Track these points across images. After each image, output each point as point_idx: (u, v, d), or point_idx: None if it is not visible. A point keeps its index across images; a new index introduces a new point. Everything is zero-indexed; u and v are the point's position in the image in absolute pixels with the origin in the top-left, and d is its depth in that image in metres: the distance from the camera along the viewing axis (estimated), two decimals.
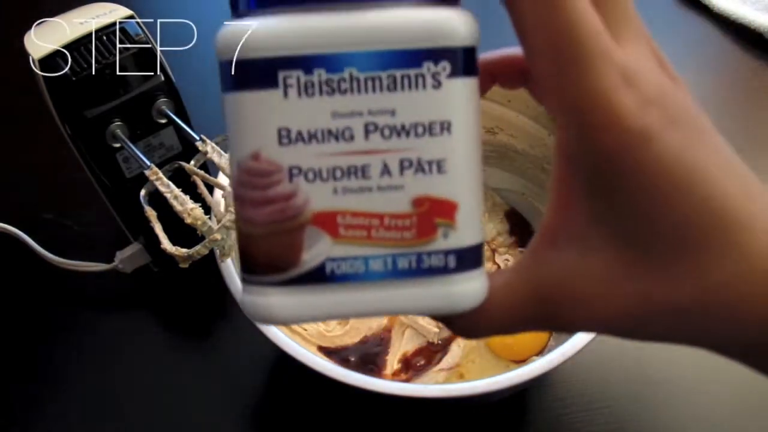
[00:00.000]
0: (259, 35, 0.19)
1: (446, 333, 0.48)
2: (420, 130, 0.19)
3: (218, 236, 0.39)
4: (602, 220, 0.21)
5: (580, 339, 0.37)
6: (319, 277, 0.20)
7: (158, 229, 0.40)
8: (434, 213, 0.20)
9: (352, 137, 0.19)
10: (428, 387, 0.39)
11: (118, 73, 0.43)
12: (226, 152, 0.43)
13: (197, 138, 0.42)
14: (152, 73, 0.44)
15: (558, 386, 0.47)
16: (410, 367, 0.46)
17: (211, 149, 0.41)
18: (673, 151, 0.19)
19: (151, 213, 0.40)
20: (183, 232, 0.40)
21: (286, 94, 0.19)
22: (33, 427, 0.46)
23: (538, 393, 0.46)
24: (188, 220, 0.39)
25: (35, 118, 0.51)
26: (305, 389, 0.46)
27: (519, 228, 0.54)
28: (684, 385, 0.46)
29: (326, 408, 0.46)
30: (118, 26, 0.43)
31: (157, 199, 0.40)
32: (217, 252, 0.40)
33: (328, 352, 0.46)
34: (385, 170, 0.20)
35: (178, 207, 0.39)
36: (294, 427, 0.46)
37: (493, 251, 0.52)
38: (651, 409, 0.46)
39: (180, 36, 0.75)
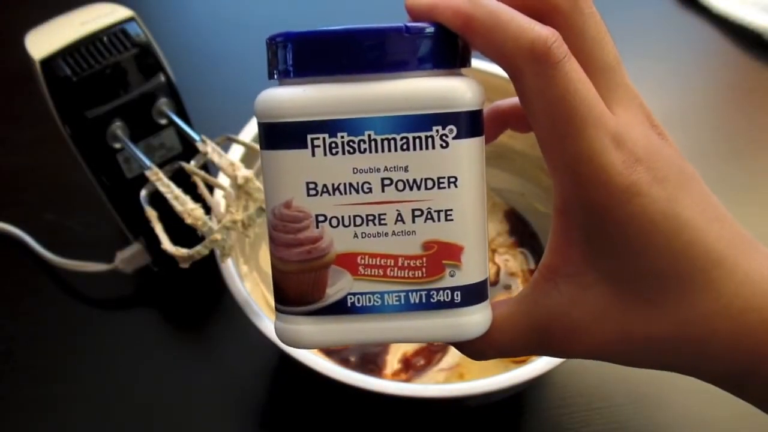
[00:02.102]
0: (291, 103, 0.22)
1: None
2: (430, 184, 0.22)
3: (218, 236, 0.39)
4: (595, 262, 0.23)
5: None
6: (341, 309, 0.23)
7: (159, 229, 0.40)
8: (442, 255, 0.23)
9: (370, 190, 0.22)
10: (428, 387, 0.39)
11: (118, 73, 0.43)
12: (226, 153, 0.43)
13: (198, 138, 0.42)
14: (152, 74, 0.45)
15: (558, 386, 0.47)
16: (410, 367, 0.47)
17: (211, 150, 0.41)
18: (659, 204, 0.22)
19: (151, 213, 0.40)
20: (183, 233, 0.40)
21: (313, 153, 0.22)
22: (33, 427, 0.46)
23: (538, 393, 0.47)
24: (188, 221, 0.39)
25: (36, 119, 0.51)
26: (306, 389, 0.46)
27: (519, 228, 0.54)
28: (684, 385, 0.46)
29: (326, 408, 0.46)
30: (118, 27, 0.43)
31: (158, 200, 0.40)
32: (218, 252, 0.40)
33: (329, 352, 0.46)
34: (399, 218, 0.23)
35: (178, 207, 0.39)
36: (294, 427, 0.46)
37: (493, 251, 0.53)
38: (651, 409, 0.46)
39: (180, 36, 0.75)
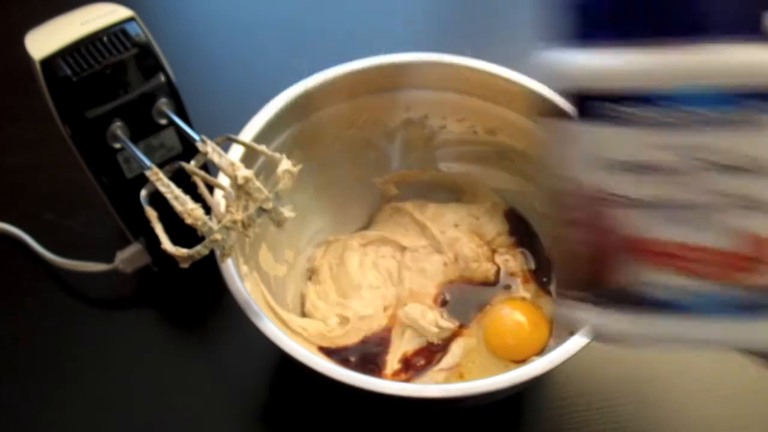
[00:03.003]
0: (592, 69, 0.19)
1: (446, 333, 0.48)
2: (754, 169, 0.19)
3: (218, 236, 0.39)
4: None
5: (580, 339, 0.37)
6: (633, 299, 0.20)
7: (159, 229, 0.40)
8: (765, 252, 0.20)
9: (677, 172, 0.19)
10: (428, 387, 0.39)
11: (118, 73, 0.43)
12: (226, 153, 0.43)
13: (198, 138, 0.42)
14: (152, 74, 0.45)
15: (558, 386, 0.47)
16: (410, 367, 0.47)
17: (211, 150, 0.41)
18: None
19: (151, 213, 0.40)
20: (183, 233, 0.40)
21: (615, 126, 0.19)
22: (32, 427, 0.46)
23: (538, 393, 0.47)
24: (189, 221, 0.39)
25: (36, 119, 0.51)
26: (306, 389, 0.46)
27: (519, 228, 0.54)
28: (684, 385, 0.46)
29: (326, 408, 0.46)
30: (118, 27, 0.43)
31: (158, 200, 0.40)
32: (218, 252, 0.40)
33: (329, 352, 0.46)
34: (711, 206, 0.19)
35: (178, 207, 0.39)
36: (294, 427, 0.46)
37: (493, 251, 0.52)
38: (651, 409, 0.46)
39: (180, 36, 0.75)
